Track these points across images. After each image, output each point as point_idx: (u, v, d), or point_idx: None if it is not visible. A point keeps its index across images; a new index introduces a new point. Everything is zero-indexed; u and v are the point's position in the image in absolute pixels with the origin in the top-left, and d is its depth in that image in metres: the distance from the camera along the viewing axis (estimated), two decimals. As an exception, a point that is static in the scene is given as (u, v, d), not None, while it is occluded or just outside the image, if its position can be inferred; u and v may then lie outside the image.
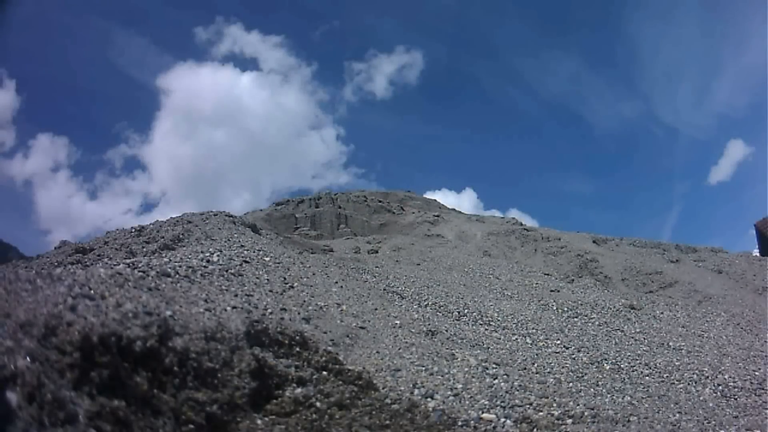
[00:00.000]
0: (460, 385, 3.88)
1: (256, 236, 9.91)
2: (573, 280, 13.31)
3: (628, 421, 3.93)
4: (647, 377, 5.48)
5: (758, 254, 18.88)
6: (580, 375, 5.11)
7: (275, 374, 2.96)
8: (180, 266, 4.79)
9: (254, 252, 7.06)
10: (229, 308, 3.76)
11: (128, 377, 2.08)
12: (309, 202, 26.00)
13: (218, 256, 6.02)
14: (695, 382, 5.47)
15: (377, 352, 4.37)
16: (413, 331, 5.47)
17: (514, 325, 6.97)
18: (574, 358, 5.75)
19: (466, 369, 4.29)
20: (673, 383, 5.39)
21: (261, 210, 25.57)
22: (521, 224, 21.96)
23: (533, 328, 6.91)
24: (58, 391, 1.70)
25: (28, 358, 1.71)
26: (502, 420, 3.46)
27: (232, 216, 11.27)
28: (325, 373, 3.26)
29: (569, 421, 3.68)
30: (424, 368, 4.10)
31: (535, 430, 3.45)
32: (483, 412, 3.50)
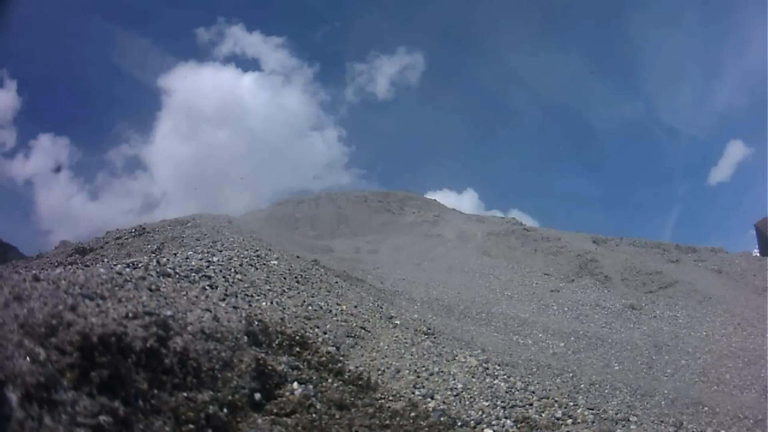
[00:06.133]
0: (461, 385, 3.87)
1: (256, 236, 9.91)
2: (573, 280, 13.29)
3: (628, 420, 3.92)
4: (647, 377, 5.48)
5: (758, 254, 18.85)
6: (581, 375, 5.11)
7: (275, 374, 2.95)
8: (180, 266, 4.78)
9: (254, 252, 7.05)
10: (229, 308, 3.75)
11: (128, 377, 2.08)
12: (309, 202, 25.96)
13: (218, 256, 6.01)
14: (695, 382, 5.47)
15: (377, 352, 4.37)
16: (413, 331, 5.47)
17: (515, 325, 6.97)
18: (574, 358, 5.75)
19: (467, 369, 4.29)
20: (674, 383, 5.39)
21: (261, 210, 25.53)
22: (521, 224, 21.93)
23: (533, 328, 6.91)
24: (58, 391, 1.70)
25: (28, 358, 1.71)
26: (503, 420, 3.45)
27: (231, 216, 11.27)
28: (325, 373, 3.25)
29: (569, 421, 3.68)
30: (424, 368, 4.10)
31: (535, 430, 3.45)
32: (483, 414, 3.50)
